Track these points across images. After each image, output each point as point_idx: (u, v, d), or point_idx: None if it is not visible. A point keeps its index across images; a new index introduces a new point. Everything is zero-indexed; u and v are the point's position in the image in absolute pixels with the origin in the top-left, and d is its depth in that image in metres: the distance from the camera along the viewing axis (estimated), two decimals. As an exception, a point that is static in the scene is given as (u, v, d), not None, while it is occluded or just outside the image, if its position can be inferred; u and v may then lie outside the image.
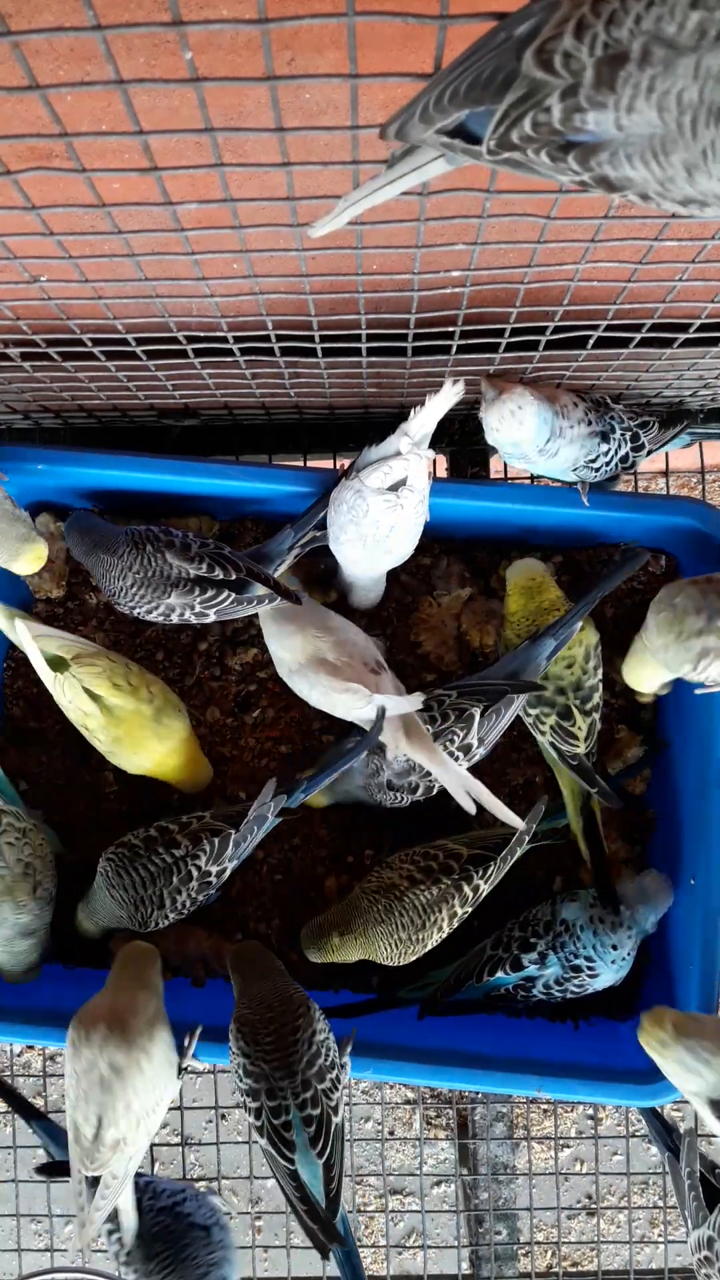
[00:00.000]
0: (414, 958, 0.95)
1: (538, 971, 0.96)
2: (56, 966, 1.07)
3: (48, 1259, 1.19)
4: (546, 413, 0.89)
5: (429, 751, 0.94)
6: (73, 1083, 0.85)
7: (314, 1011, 0.87)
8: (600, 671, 1.00)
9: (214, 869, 0.94)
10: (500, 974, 0.96)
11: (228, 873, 0.95)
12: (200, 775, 1.04)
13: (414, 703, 0.93)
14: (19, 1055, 1.65)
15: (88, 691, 0.95)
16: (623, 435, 0.95)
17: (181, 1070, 0.90)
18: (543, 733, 0.98)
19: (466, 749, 0.95)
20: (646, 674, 0.98)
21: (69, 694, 0.95)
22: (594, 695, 0.98)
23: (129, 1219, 0.90)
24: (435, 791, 0.97)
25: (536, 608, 0.99)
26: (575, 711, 0.97)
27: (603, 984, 0.97)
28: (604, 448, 0.94)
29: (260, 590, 0.97)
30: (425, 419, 0.84)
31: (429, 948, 0.95)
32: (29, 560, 0.96)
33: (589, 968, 0.95)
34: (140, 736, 0.97)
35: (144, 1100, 0.84)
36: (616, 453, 0.94)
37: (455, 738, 0.94)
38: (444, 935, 0.95)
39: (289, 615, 0.98)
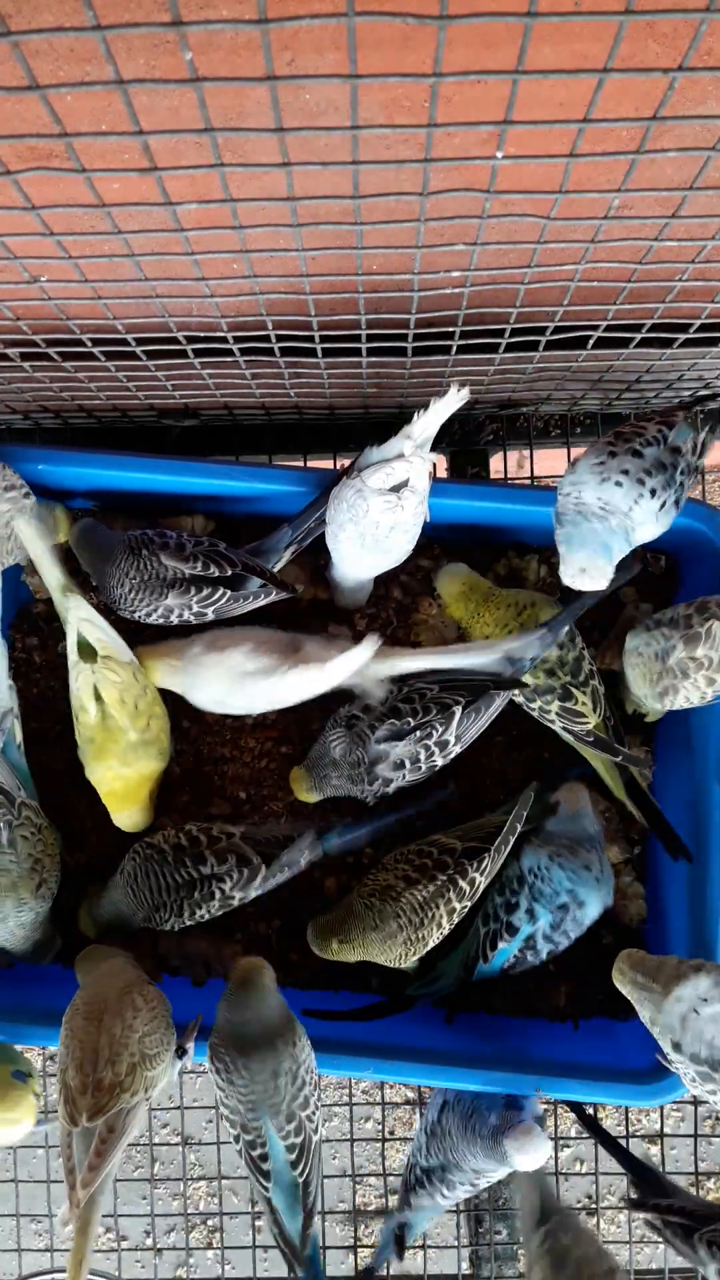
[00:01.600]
0: (416, 958, 0.95)
1: (531, 926, 0.96)
2: (55, 966, 1.07)
3: (48, 1259, 1.19)
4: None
5: (403, 655, 0.97)
6: (64, 1046, 0.85)
7: (297, 1044, 0.86)
8: (580, 640, 0.99)
9: (238, 894, 0.95)
10: (502, 945, 0.96)
11: (249, 899, 0.96)
12: (135, 817, 1.03)
13: (370, 645, 0.92)
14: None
15: (96, 690, 0.96)
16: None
17: (182, 1051, 0.90)
18: (551, 721, 0.98)
19: (443, 745, 0.95)
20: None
21: (79, 683, 0.97)
22: (583, 664, 0.97)
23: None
24: (408, 783, 0.97)
25: (502, 606, 0.99)
26: (574, 690, 0.96)
27: (596, 910, 0.97)
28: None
29: (256, 585, 0.97)
30: (428, 422, 0.83)
31: (430, 946, 0.95)
32: (64, 526, 1.03)
33: (575, 900, 0.95)
34: (108, 750, 0.98)
35: (139, 1042, 0.83)
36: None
37: (434, 732, 0.94)
38: (445, 932, 0.95)
39: (197, 670, 0.98)
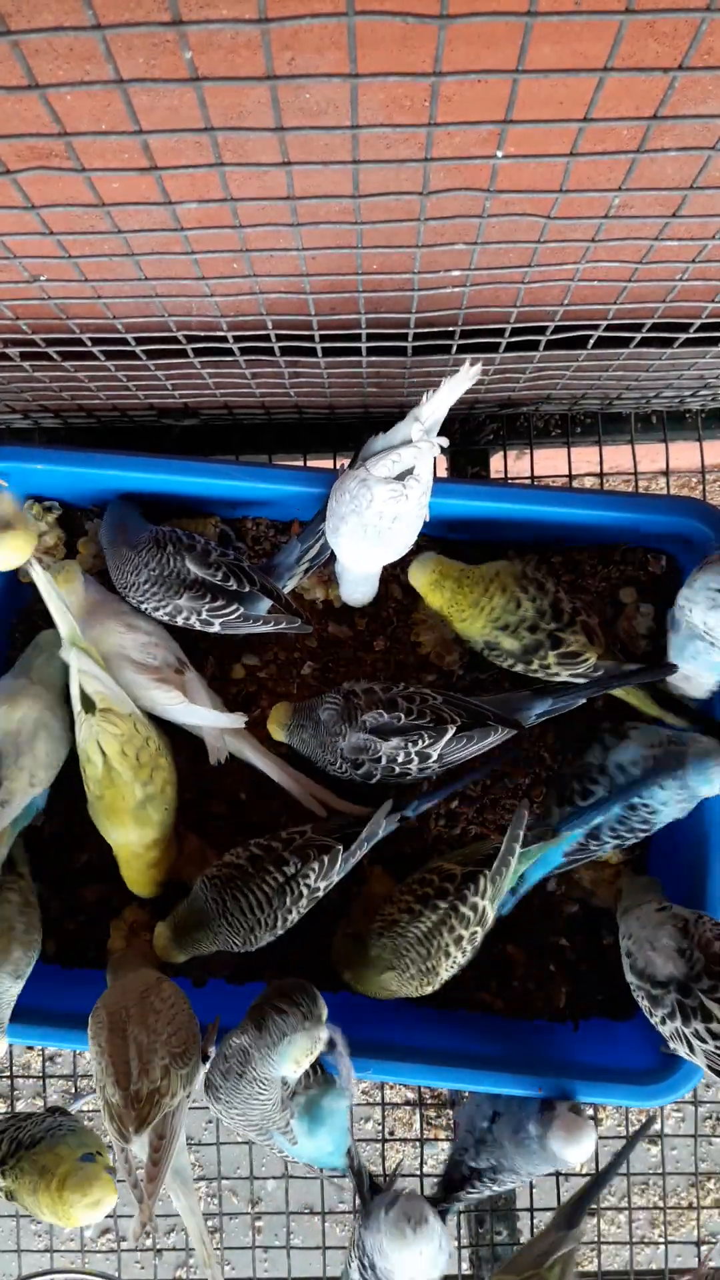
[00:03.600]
0: (434, 988, 0.95)
1: (601, 816, 0.94)
2: (55, 966, 1.07)
3: (47, 1260, 1.19)
4: None
5: (256, 749, 1.02)
6: (98, 1063, 0.85)
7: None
8: (550, 585, 0.98)
9: (323, 884, 0.93)
10: (579, 801, 0.96)
11: (333, 885, 0.95)
12: (158, 883, 1.02)
13: (234, 721, 1.00)
14: (19, 1056, 1.65)
15: (99, 743, 0.96)
16: None
17: (206, 1056, 0.90)
18: (556, 674, 0.97)
19: (423, 756, 0.94)
20: None
21: (84, 734, 0.96)
22: (561, 606, 0.96)
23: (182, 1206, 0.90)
24: (375, 780, 0.96)
25: (485, 603, 0.98)
26: (562, 635, 0.95)
27: (665, 819, 0.95)
28: None
29: (266, 609, 0.98)
30: (439, 403, 0.81)
31: (445, 976, 0.94)
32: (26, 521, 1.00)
33: (645, 808, 0.94)
34: (120, 809, 0.97)
35: (165, 1044, 0.84)
36: None
37: (419, 740, 0.93)
38: (455, 960, 0.93)
39: (89, 608, 1.00)
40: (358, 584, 1.03)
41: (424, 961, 0.92)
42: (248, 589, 0.97)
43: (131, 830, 0.98)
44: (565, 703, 0.98)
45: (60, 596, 0.95)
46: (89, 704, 0.96)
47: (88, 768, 0.97)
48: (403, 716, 0.93)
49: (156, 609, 0.97)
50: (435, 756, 0.94)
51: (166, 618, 0.98)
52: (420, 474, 0.84)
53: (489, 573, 0.98)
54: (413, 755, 0.94)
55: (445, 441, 0.84)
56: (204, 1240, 0.90)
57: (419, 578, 1.00)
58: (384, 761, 0.94)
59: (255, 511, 1.09)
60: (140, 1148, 0.82)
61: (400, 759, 0.94)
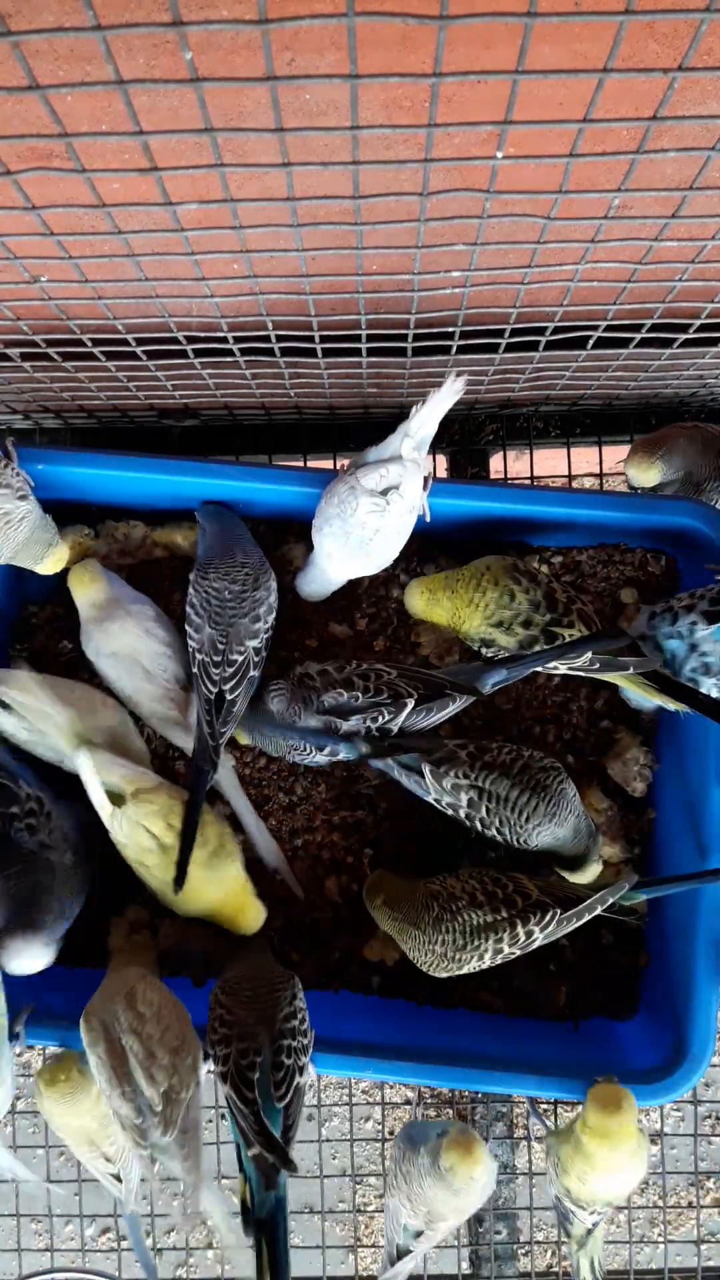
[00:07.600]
0: (444, 975, 0.94)
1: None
2: (56, 967, 1.07)
3: (47, 1259, 1.19)
4: None
5: (235, 788, 1.04)
6: (99, 1075, 0.86)
7: (296, 985, 0.90)
8: (542, 576, 0.97)
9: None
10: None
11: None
12: (251, 920, 1.00)
13: (221, 765, 1.00)
14: (19, 1055, 1.65)
15: (144, 828, 0.93)
16: None
17: (206, 1055, 0.90)
18: (555, 667, 0.96)
19: (385, 733, 0.94)
20: None
21: (126, 829, 0.93)
22: (556, 597, 0.95)
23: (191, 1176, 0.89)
24: (339, 756, 0.97)
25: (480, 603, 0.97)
26: (557, 629, 0.94)
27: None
28: None
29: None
30: (427, 416, 0.82)
31: (464, 971, 0.93)
32: (53, 562, 1.01)
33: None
34: (194, 879, 0.93)
35: (159, 1043, 0.84)
36: None
37: (380, 716, 0.94)
38: (483, 965, 0.93)
39: (108, 605, 1.00)
40: (315, 580, 1.02)
41: (458, 951, 0.91)
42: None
43: (213, 888, 0.95)
44: (519, 670, 0.96)
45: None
46: (117, 798, 0.93)
47: (146, 859, 0.93)
48: (360, 696, 0.94)
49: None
50: (395, 731, 0.95)
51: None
52: (405, 491, 0.85)
53: (479, 568, 0.98)
54: (374, 731, 0.94)
55: (431, 465, 0.85)
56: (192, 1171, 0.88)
57: (414, 605, 1.02)
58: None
59: (256, 511, 1.09)
60: (169, 1147, 0.83)
61: (361, 734, 0.95)
